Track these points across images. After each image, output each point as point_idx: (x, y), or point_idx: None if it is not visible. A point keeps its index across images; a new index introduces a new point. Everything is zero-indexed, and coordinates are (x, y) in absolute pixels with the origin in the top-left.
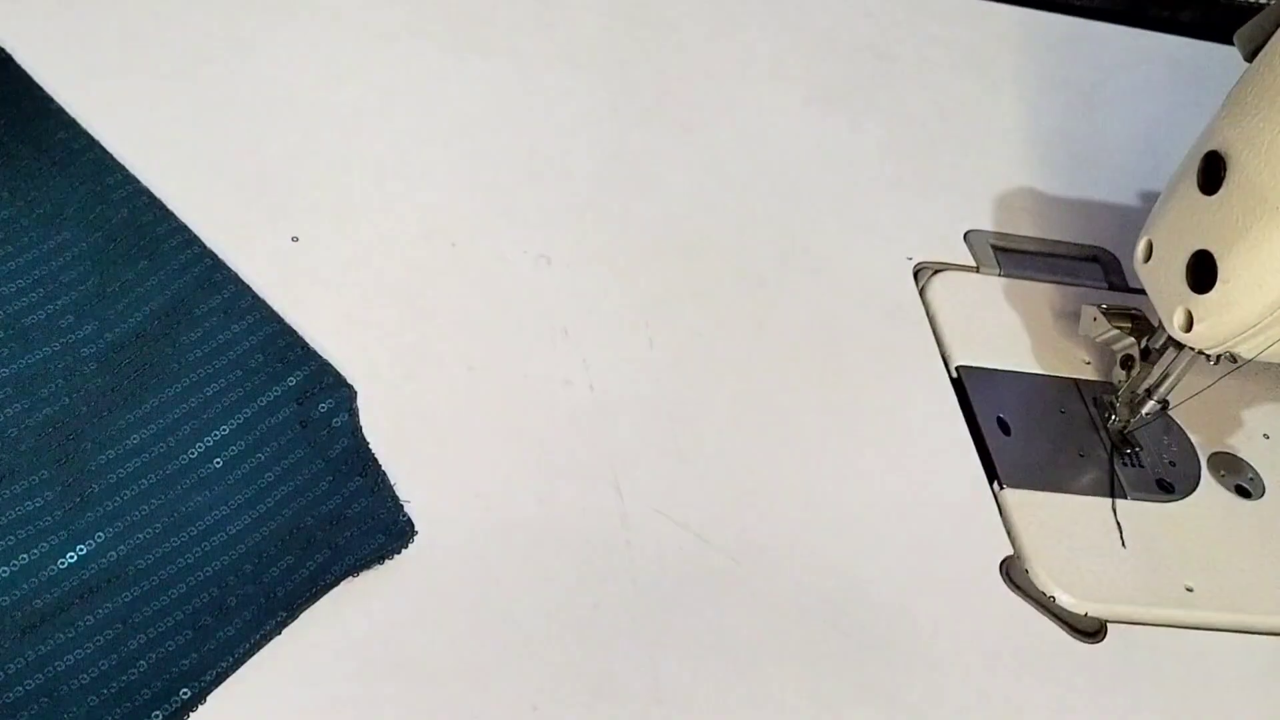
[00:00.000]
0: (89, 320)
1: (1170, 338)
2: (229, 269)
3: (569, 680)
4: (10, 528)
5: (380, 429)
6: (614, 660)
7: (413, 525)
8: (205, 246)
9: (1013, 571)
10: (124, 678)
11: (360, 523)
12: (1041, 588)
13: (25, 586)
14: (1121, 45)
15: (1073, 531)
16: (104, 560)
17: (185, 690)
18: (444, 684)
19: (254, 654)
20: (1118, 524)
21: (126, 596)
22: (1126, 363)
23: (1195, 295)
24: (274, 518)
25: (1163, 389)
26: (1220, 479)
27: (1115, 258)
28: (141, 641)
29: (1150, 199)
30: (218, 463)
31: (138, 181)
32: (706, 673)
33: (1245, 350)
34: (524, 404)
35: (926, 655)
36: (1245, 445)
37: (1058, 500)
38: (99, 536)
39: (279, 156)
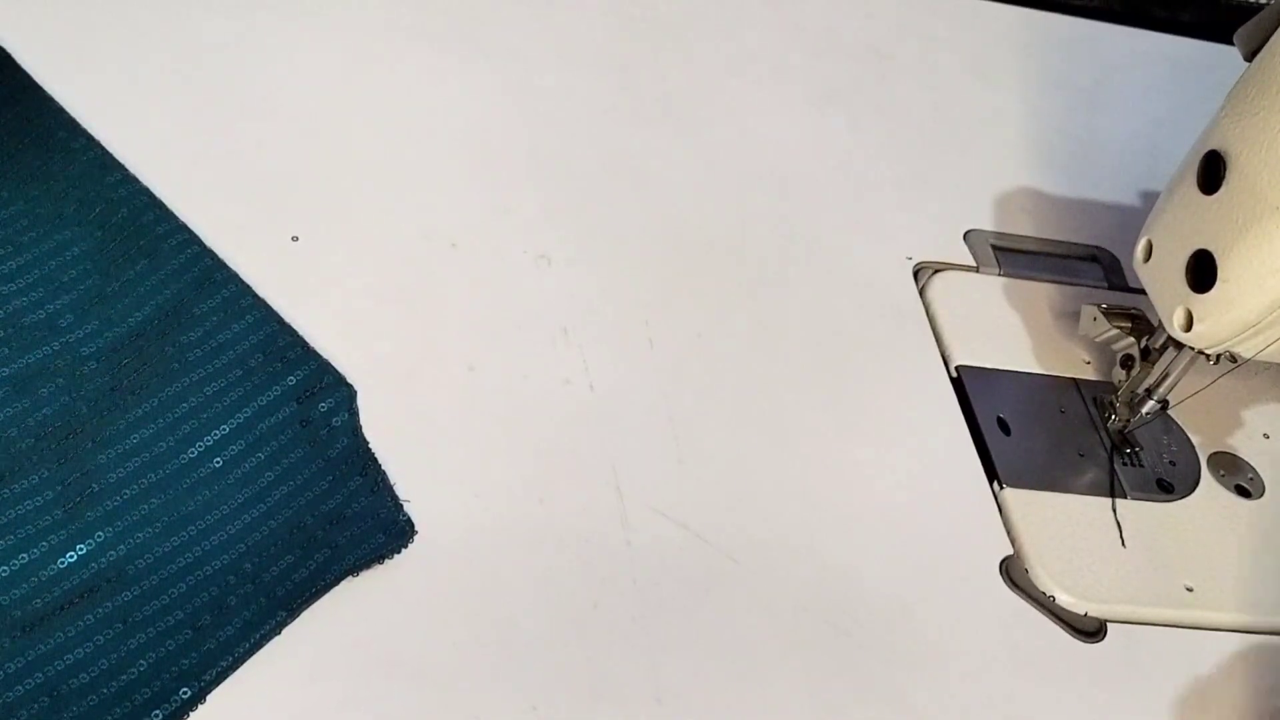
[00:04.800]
0: (89, 320)
1: (1170, 338)
2: (229, 269)
3: (569, 680)
4: (10, 527)
5: (380, 429)
6: (614, 660)
7: (413, 525)
8: (205, 246)
9: (1013, 571)
10: (124, 677)
11: (360, 522)
12: (1041, 588)
13: (25, 586)
14: (1122, 45)
15: (1073, 531)
16: (104, 559)
17: (185, 690)
18: (444, 684)
19: (254, 654)
20: (1118, 524)
21: (126, 596)
22: (1126, 363)
23: (1195, 295)
24: (274, 517)
25: (1163, 389)
26: (1220, 479)
27: (1115, 258)
28: (141, 641)
29: (1150, 199)
30: (217, 462)
31: (138, 181)
32: (706, 673)
33: (1245, 350)
34: (524, 404)
35: (926, 655)
36: (1245, 445)
37: (1058, 500)
38: (99, 536)
39: (279, 156)
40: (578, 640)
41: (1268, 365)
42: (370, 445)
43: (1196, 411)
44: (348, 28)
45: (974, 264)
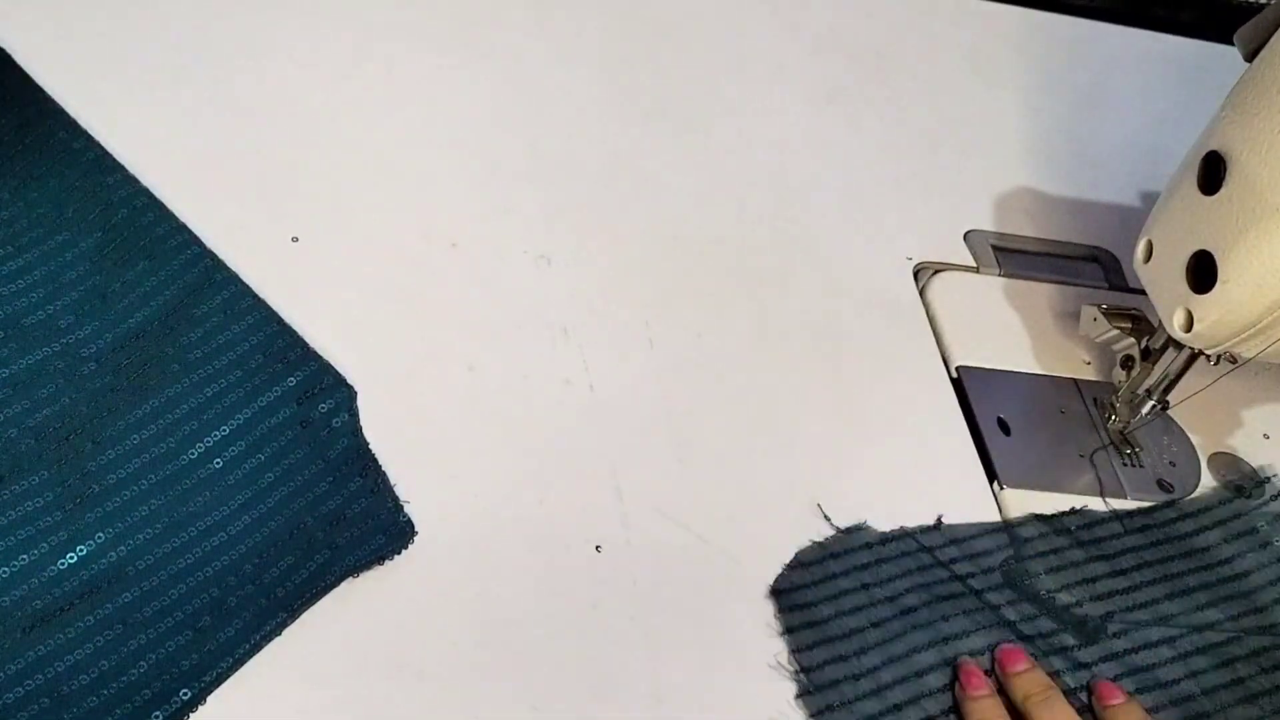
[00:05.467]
0: (89, 320)
1: (1170, 338)
2: (229, 269)
3: (569, 680)
4: (10, 528)
5: (380, 429)
6: (614, 660)
7: (413, 525)
8: (205, 246)
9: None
10: (124, 678)
11: (360, 523)
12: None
13: (25, 587)
14: (1122, 45)
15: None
16: (104, 560)
17: (185, 690)
18: (444, 684)
19: (254, 654)
20: None
21: (127, 597)
22: (1126, 363)
23: (1195, 295)
24: (274, 518)
25: (1163, 389)
26: (1220, 479)
27: (1115, 258)
28: (142, 642)
29: (1150, 199)
30: (218, 463)
31: (138, 182)
32: (706, 673)
33: (1245, 350)
34: (524, 404)
35: None
36: (1245, 445)
37: (1058, 500)
38: (99, 537)
39: (279, 156)
40: (578, 640)
41: (1268, 365)
42: (370, 446)
43: (1196, 411)
44: (348, 28)
45: (974, 264)
